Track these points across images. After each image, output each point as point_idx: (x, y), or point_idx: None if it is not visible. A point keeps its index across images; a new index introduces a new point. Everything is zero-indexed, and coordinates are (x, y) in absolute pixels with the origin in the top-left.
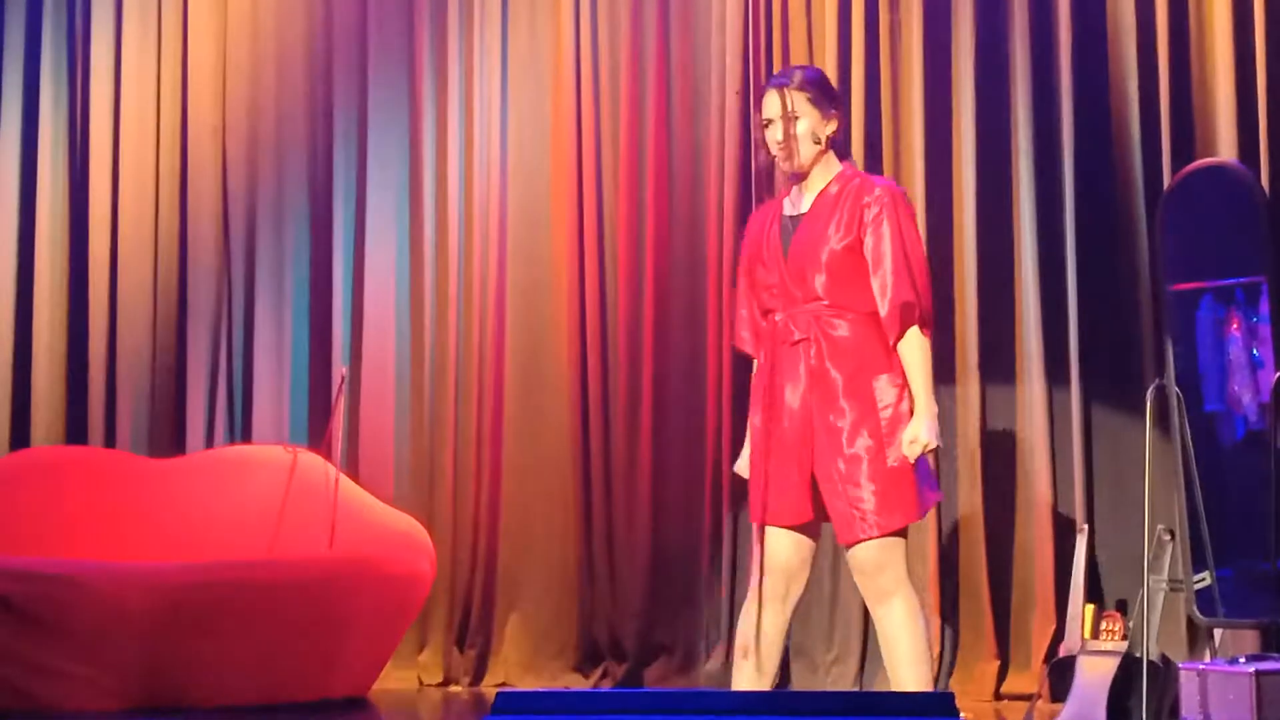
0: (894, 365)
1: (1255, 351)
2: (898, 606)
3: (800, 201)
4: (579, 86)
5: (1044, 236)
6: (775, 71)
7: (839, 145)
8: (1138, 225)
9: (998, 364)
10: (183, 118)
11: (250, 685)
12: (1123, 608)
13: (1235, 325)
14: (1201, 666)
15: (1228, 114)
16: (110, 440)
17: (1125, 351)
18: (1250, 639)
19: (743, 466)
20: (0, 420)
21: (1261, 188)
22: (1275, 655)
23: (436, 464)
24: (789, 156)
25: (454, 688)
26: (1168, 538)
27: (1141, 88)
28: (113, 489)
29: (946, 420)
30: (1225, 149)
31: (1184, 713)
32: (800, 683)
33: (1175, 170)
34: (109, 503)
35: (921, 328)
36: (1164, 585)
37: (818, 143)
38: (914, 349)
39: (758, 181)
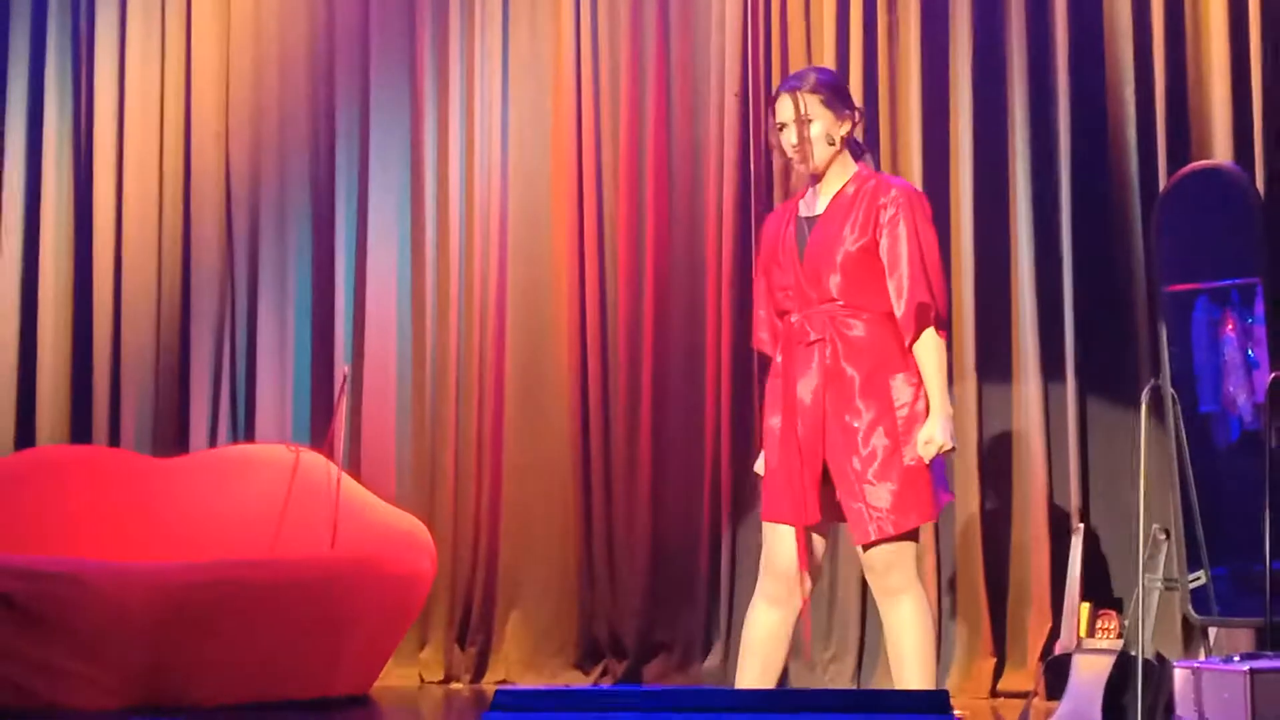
0: (909, 364)
1: (1250, 352)
2: (906, 605)
3: (816, 203)
4: (579, 87)
5: (1040, 237)
6: (773, 72)
7: (855, 145)
8: (1133, 226)
9: (995, 364)
10: (186, 120)
11: (252, 684)
12: (1118, 606)
13: (1230, 326)
14: (1196, 665)
15: (1223, 116)
16: (114, 439)
17: (1121, 351)
18: (1245, 638)
19: (761, 466)
20: (6, 419)
21: (1256, 189)
22: (1270, 654)
23: (438, 463)
24: (804, 159)
25: (455, 685)
26: (1163, 537)
27: (1138, 90)
28: (116, 488)
29: None
30: (1221, 151)
31: (1178, 711)
32: (798, 680)
33: (1171, 172)
34: (112, 502)
35: (937, 329)
36: (1159, 584)
37: (832, 144)
38: (929, 350)
39: (758, 182)
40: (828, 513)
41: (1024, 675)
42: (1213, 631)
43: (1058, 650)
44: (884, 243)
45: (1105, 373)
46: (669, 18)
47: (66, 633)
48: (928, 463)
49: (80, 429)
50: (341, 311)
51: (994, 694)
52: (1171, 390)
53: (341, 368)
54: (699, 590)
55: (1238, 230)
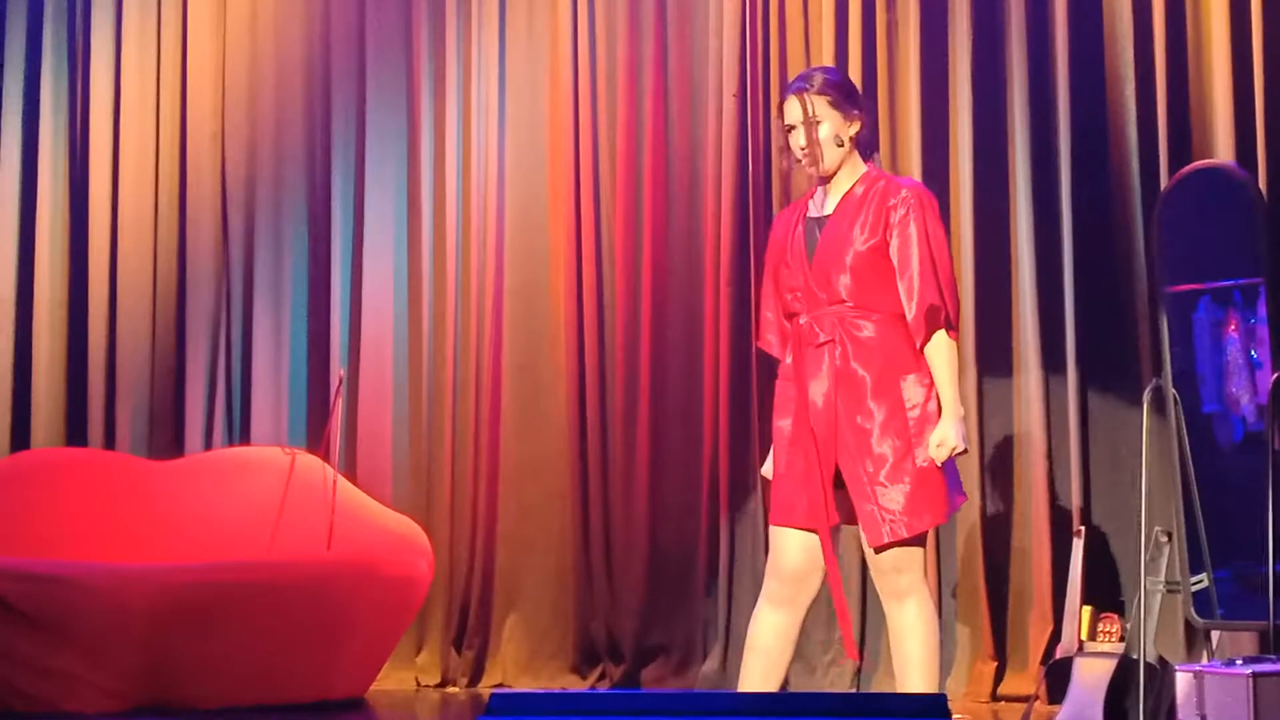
0: (920, 365)
1: (1253, 353)
2: (912, 607)
3: (825, 203)
4: (576, 89)
5: (1041, 237)
6: (771, 72)
7: (864, 145)
8: (1134, 226)
9: (995, 364)
10: (182, 122)
11: (249, 686)
12: (1120, 609)
13: (1233, 327)
14: (1198, 668)
15: (1225, 115)
16: (110, 442)
17: (1122, 352)
18: (1248, 641)
19: (769, 469)
20: (0, 422)
21: (1259, 189)
22: (1273, 657)
23: (434, 465)
24: (814, 161)
25: (452, 689)
26: (1165, 539)
27: (1139, 88)
28: (112, 490)
29: None
30: (1222, 150)
31: (1181, 715)
32: (798, 684)
33: (1172, 171)
34: (108, 504)
35: (948, 330)
36: (1161, 587)
37: (841, 145)
38: (940, 352)
39: (756, 182)
40: (834, 515)
41: (1025, 679)
42: (1215, 634)
43: (1059, 654)
44: (894, 244)
45: (1107, 373)
46: (666, 18)
47: (63, 635)
48: (940, 465)
49: (75, 431)
50: (337, 313)
51: (995, 697)
52: (1173, 391)
53: (337, 369)
54: (697, 593)
55: (1240, 230)
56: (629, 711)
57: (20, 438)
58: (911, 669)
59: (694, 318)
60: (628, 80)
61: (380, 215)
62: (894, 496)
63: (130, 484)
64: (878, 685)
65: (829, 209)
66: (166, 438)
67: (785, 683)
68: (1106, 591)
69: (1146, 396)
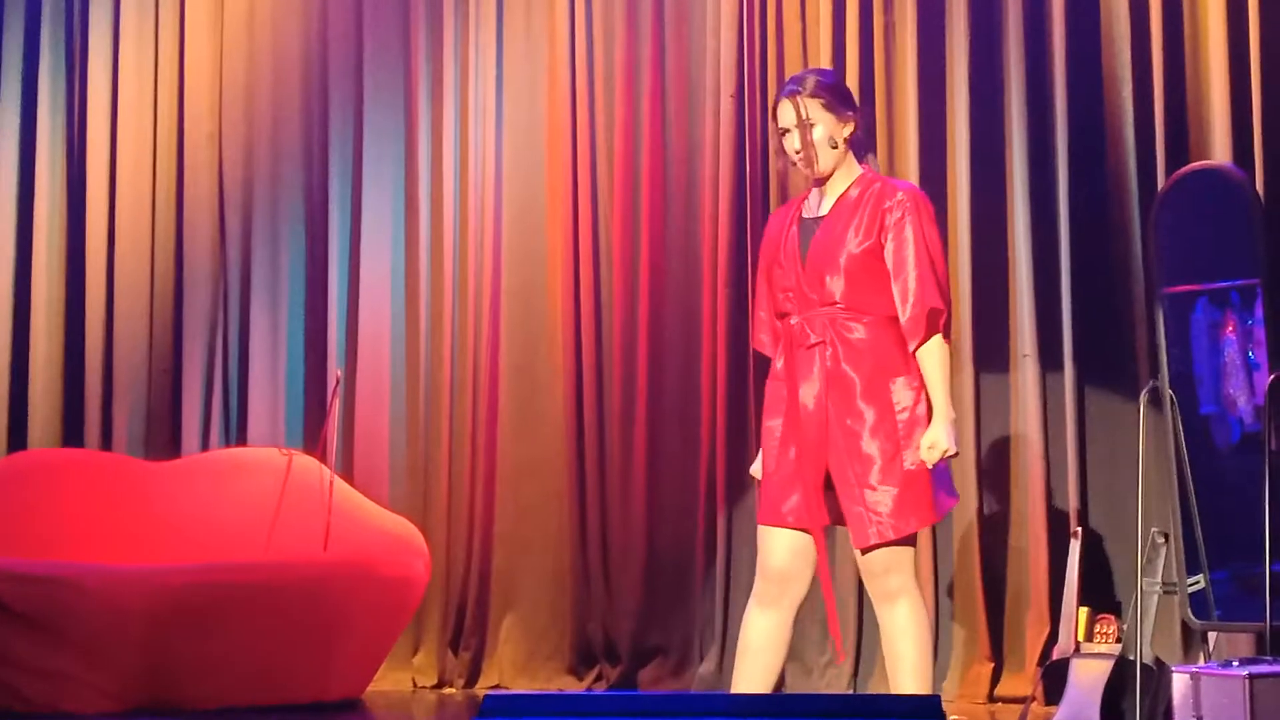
0: (911, 368)
1: (1250, 354)
2: (903, 608)
3: (819, 204)
4: (574, 90)
5: (1038, 238)
6: (768, 73)
7: (859, 147)
8: (1132, 227)
9: (992, 364)
10: (179, 122)
11: (246, 687)
12: (1117, 611)
13: (1230, 328)
14: (1195, 670)
15: (1222, 115)
16: (106, 443)
17: (1120, 353)
18: (1244, 642)
19: (758, 469)
20: None
21: (1256, 190)
22: (1269, 659)
23: (431, 466)
24: (809, 164)
25: (448, 690)
26: (1162, 540)
27: (1136, 89)
28: (109, 491)
29: None
30: (1220, 151)
31: (1177, 716)
32: (794, 685)
33: (1169, 171)
34: (105, 505)
35: (943, 334)
36: (1158, 588)
37: (835, 147)
38: (934, 354)
39: (753, 183)
40: (823, 516)
41: (1022, 680)
42: (1212, 636)
43: (1056, 655)
44: (889, 246)
45: (1104, 374)
46: (664, 19)
47: (60, 636)
48: (930, 467)
49: (72, 432)
50: (335, 313)
51: (991, 699)
52: (1171, 392)
53: (334, 370)
54: (694, 594)
55: (1237, 231)
56: (621, 713)
57: (17, 438)
58: (904, 670)
59: (691, 319)
60: (625, 81)
61: (377, 215)
62: (881, 499)
63: (127, 485)
64: (874, 687)
65: (824, 210)
66: (163, 438)
67: (781, 683)
68: (1103, 593)
69: (1144, 397)
